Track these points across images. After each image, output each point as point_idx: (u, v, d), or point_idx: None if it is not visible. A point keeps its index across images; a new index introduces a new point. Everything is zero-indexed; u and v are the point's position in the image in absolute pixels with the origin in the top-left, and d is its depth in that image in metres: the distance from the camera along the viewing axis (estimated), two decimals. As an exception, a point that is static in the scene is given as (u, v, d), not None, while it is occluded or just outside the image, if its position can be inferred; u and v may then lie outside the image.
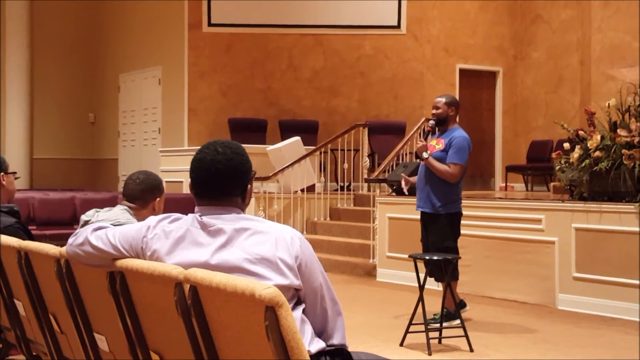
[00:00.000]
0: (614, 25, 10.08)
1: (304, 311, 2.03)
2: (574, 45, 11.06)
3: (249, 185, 2.13)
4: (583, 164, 5.91)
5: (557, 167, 6.26)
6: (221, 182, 2.05)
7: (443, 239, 5.25)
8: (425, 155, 5.24)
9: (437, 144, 5.32)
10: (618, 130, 5.80)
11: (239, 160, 2.07)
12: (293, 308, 1.98)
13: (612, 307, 5.76)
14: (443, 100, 5.32)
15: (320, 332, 2.08)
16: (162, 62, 11.60)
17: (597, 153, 5.81)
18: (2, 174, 3.41)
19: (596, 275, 5.88)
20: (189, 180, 2.12)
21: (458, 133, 5.26)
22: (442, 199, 5.26)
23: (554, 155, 6.39)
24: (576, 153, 5.99)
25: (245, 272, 1.93)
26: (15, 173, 3.55)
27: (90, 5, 13.20)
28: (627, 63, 9.20)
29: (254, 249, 1.96)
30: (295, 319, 1.72)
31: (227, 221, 2.02)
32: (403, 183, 5.66)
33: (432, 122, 5.40)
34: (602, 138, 5.86)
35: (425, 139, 5.39)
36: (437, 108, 5.31)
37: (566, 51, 11.21)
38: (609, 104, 5.96)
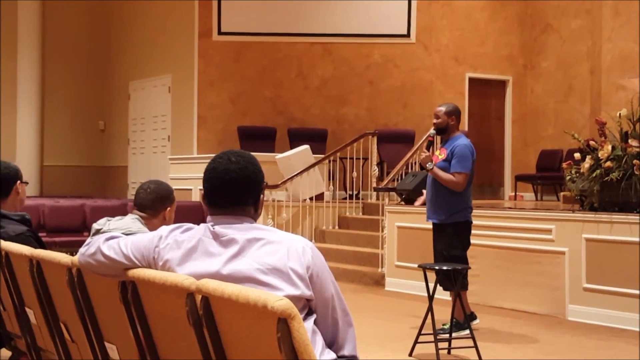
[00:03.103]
0: (624, 35, 10.06)
1: (315, 322, 2.03)
2: (584, 54, 11.04)
3: (261, 196, 2.13)
4: (594, 174, 5.88)
5: (568, 177, 6.23)
6: (234, 191, 2.05)
7: (450, 248, 5.24)
8: (429, 165, 5.25)
9: (440, 154, 5.33)
10: (629, 141, 5.78)
11: (252, 169, 2.08)
12: (304, 318, 1.97)
13: (623, 318, 5.72)
14: (443, 109, 5.32)
15: (331, 343, 2.08)
16: (172, 70, 11.64)
17: (608, 163, 5.79)
18: (17, 182, 3.45)
19: (607, 286, 5.84)
20: (201, 189, 2.12)
21: (460, 141, 5.26)
22: (448, 208, 5.25)
23: (564, 165, 6.37)
24: (587, 163, 5.97)
25: (257, 283, 1.93)
26: (27, 183, 3.59)
27: (101, 14, 13.28)
28: (638, 73, 9.16)
29: (266, 259, 1.96)
30: (306, 330, 1.71)
31: (239, 231, 2.02)
32: (421, 200, 5.69)
33: (432, 131, 5.41)
34: (613, 148, 5.83)
35: (428, 149, 5.40)
36: (437, 117, 5.32)
37: (576, 61, 11.19)
38: (620, 114, 5.94)
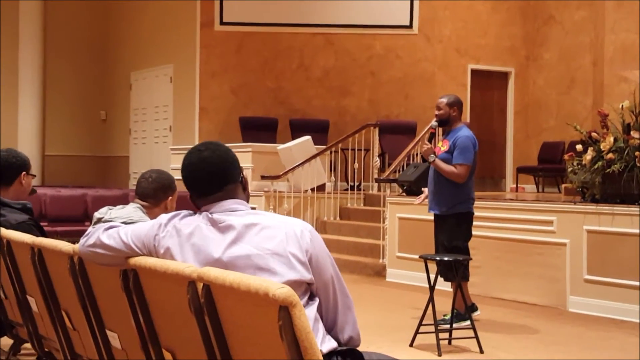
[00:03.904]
0: (627, 27, 10.01)
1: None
2: (586, 46, 11.00)
3: (243, 174, 2.17)
4: (595, 166, 5.87)
5: (570, 169, 6.22)
6: (218, 174, 2.10)
7: (451, 239, 5.25)
8: (431, 157, 5.25)
9: (442, 145, 5.33)
10: (631, 132, 5.77)
11: (224, 151, 2.14)
12: (306, 304, 1.98)
13: (624, 309, 5.73)
14: (445, 100, 5.32)
15: (332, 325, 2.09)
16: (173, 60, 11.63)
17: (610, 155, 5.78)
18: (23, 172, 3.44)
19: (607, 277, 5.85)
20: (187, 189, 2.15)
21: (462, 133, 5.25)
22: (450, 199, 5.26)
23: (566, 156, 6.36)
24: (589, 155, 5.96)
25: (257, 268, 1.94)
26: (34, 176, 3.59)
27: (102, 4, 13.25)
28: (640, 64, 9.14)
29: (265, 244, 1.97)
30: (308, 317, 1.72)
31: (236, 217, 2.03)
32: (422, 197, 5.65)
33: (434, 123, 5.40)
34: (615, 140, 5.82)
35: (430, 141, 5.39)
36: (439, 109, 5.32)
37: (579, 52, 11.15)
38: (622, 105, 5.93)
